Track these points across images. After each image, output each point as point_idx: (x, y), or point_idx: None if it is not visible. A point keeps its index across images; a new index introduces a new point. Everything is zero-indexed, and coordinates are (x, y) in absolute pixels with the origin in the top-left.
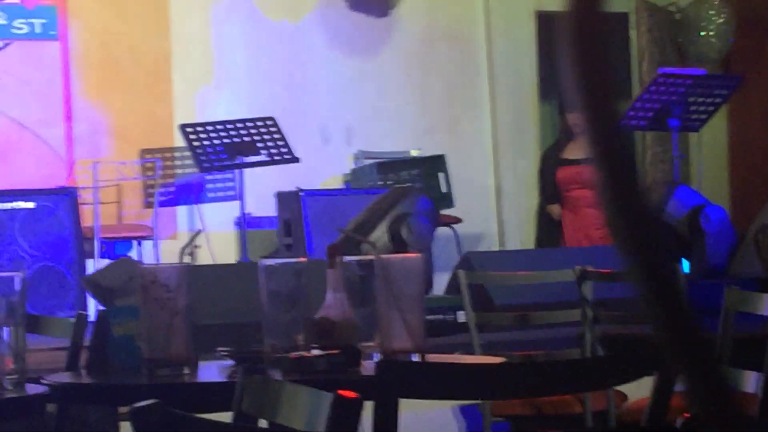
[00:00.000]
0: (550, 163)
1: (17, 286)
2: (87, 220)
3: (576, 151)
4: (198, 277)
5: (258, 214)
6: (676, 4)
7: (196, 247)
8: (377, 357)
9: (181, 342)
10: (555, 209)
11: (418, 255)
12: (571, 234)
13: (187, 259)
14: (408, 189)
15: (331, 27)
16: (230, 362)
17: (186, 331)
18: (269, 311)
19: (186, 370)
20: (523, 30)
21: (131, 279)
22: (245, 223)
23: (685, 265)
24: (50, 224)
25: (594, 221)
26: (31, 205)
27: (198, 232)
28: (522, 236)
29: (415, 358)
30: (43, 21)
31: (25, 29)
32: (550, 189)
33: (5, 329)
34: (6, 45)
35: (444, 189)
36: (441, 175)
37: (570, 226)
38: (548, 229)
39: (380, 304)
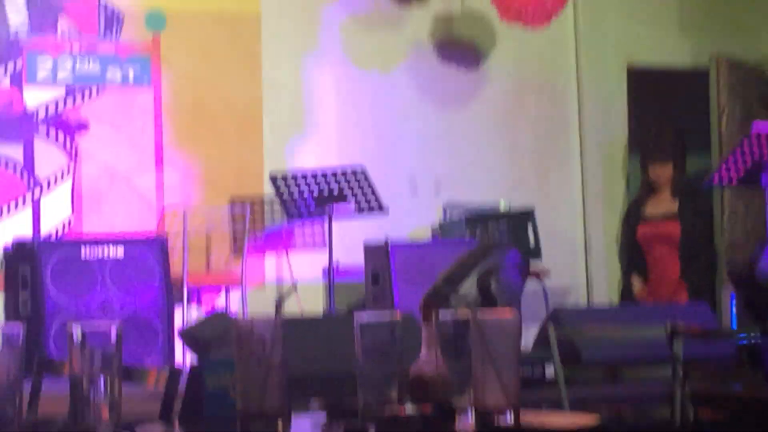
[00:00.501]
0: (632, 220)
1: (113, 336)
2: (176, 267)
3: (658, 206)
4: (287, 328)
5: (345, 264)
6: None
7: (288, 293)
8: (471, 413)
9: (276, 395)
10: (636, 282)
11: (515, 314)
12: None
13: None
14: (497, 242)
15: (421, 78)
16: (323, 415)
17: (281, 385)
18: (363, 366)
19: (280, 424)
20: (614, 83)
21: (226, 332)
22: (333, 273)
23: None
24: (139, 272)
25: (673, 281)
26: (120, 252)
27: (294, 285)
28: (610, 290)
29: (509, 416)
30: (136, 69)
31: (119, 77)
32: (630, 249)
33: (101, 379)
34: (99, 92)
35: (532, 242)
36: (529, 228)
37: (652, 289)
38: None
39: (475, 361)
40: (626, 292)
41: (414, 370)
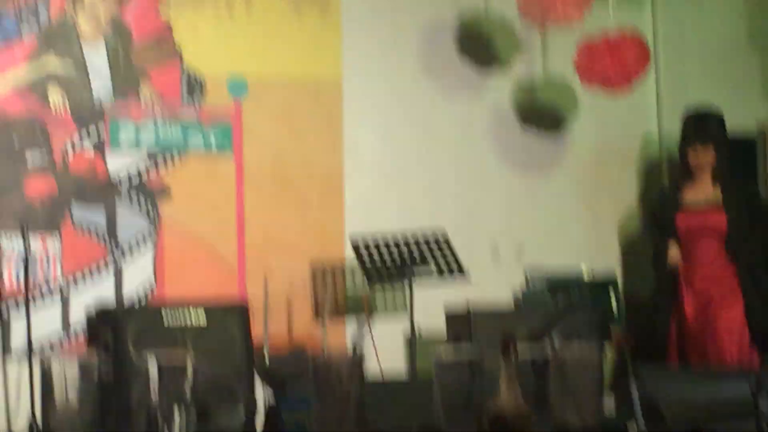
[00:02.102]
0: (669, 206)
1: (189, 372)
2: (257, 333)
3: (698, 193)
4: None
5: (426, 328)
6: None
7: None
8: None
9: (353, 430)
10: (674, 253)
11: (593, 347)
12: (690, 295)
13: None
14: (578, 307)
15: (503, 143)
16: None
17: (357, 422)
18: (443, 406)
19: None
20: None
21: (303, 371)
22: (414, 337)
23: None
24: (222, 338)
25: (716, 274)
26: (203, 318)
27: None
28: None
29: None
30: (218, 135)
31: (201, 143)
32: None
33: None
34: (182, 158)
35: (615, 309)
36: (612, 296)
37: (690, 283)
38: (665, 282)
39: (555, 396)
40: (659, 262)
41: (494, 408)
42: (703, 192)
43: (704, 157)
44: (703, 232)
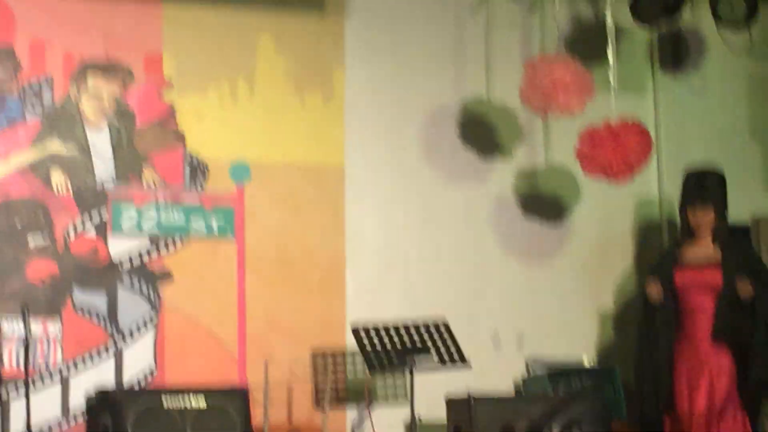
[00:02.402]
0: (668, 262)
1: None
2: (257, 419)
3: (698, 252)
4: None
5: (428, 418)
6: None
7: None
8: None
9: None
10: (654, 289)
11: None
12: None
13: None
14: (579, 395)
15: (505, 231)
16: None
17: None
18: None
19: None
20: None
21: None
22: (414, 424)
23: None
24: (221, 423)
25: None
26: (202, 402)
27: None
28: None
29: None
30: (221, 221)
31: (203, 228)
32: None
33: None
34: (183, 242)
35: (615, 399)
36: (612, 385)
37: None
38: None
39: None
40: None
41: None
42: (703, 251)
43: (703, 217)
44: (699, 288)
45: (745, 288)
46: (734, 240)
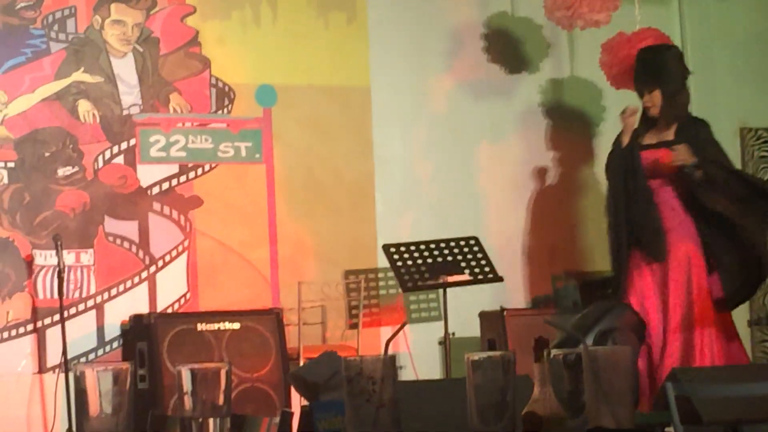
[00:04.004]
0: (628, 150)
1: (222, 379)
2: (292, 340)
3: (653, 137)
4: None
5: (461, 335)
6: None
7: (400, 367)
8: None
9: None
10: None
11: (627, 347)
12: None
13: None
14: (613, 304)
15: (533, 142)
16: None
17: (392, 424)
18: (476, 406)
19: None
20: (727, 146)
21: (335, 374)
22: (448, 342)
23: None
24: (255, 345)
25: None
26: (236, 325)
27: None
28: None
29: None
30: (248, 144)
31: (231, 153)
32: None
33: (210, 422)
34: (212, 168)
35: None
36: None
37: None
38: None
39: (589, 398)
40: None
41: (527, 410)
42: (657, 135)
43: (650, 99)
44: (654, 171)
45: (679, 155)
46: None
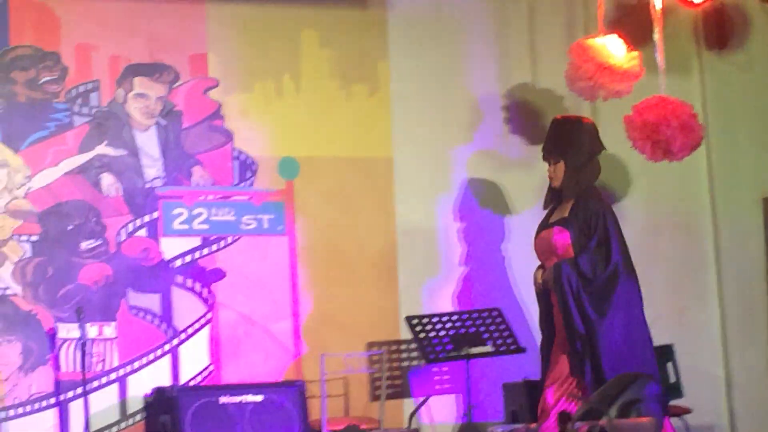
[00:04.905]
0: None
1: None
2: (314, 412)
3: (557, 213)
4: None
5: (484, 405)
6: None
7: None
8: None
9: None
10: (538, 275)
11: (652, 419)
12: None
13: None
14: (637, 375)
15: None
16: None
17: None
18: None
19: None
20: (750, 217)
21: None
22: (471, 413)
23: None
24: (278, 417)
25: None
26: (259, 398)
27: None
28: (755, 429)
29: None
30: (271, 216)
31: (253, 225)
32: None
33: None
34: (234, 240)
35: (672, 379)
36: (669, 365)
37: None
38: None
39: None
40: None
41: None
42: (560, 211)
43: (554, 171)
44: (545, 253)
45: (542, 275)
46: (590, 196)
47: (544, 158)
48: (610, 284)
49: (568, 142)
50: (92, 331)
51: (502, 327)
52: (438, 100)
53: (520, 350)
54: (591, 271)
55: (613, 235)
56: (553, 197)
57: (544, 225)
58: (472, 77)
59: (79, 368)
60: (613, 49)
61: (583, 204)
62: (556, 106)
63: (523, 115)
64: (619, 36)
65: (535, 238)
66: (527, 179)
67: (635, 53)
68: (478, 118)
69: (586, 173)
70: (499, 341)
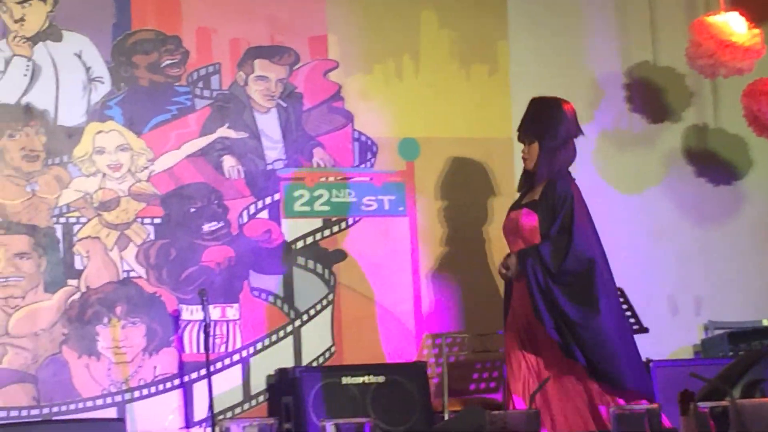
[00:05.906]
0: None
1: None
2: (436, 394)
3: (529, 195)
4: None
5: None
6: None
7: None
8: None
9: None
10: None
11: None
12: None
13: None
14: (762, 353)
15: (678, 196)
16: None
17: None
18: None
19: None
20: None
21: (480, 428)
22: None
23: None
24: (400, 398)
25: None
26: (381, 379)
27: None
28: None
29: None
30: (391, 197)
31: (374, 206)
32: None
33: None
34: (355, 222)
35: None
36: None
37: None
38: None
39: None
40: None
41: None
42: (531, 193)
43: (528, 153)
44: (513, 235)
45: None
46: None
47: (519, 139)
48: (587, 275)
49: (545, 124)
50: (215, 312)
51: (624, 307)
52: (557, 78)
53: (644, 330)
54: (551, 259)
55: (578, 219)
56: (527, 179)
57: (515, 206)
58: (592, 55)
59: (202, 350)
60: (734, 26)
61: (551, 187)
62: (677, 84)
63: (645, 93)
64: (741, 13)
65: (505, 219)
66: (649, 157)
67: (757, 30)
68: (598, 96)
69: (560, 156)
70: None
